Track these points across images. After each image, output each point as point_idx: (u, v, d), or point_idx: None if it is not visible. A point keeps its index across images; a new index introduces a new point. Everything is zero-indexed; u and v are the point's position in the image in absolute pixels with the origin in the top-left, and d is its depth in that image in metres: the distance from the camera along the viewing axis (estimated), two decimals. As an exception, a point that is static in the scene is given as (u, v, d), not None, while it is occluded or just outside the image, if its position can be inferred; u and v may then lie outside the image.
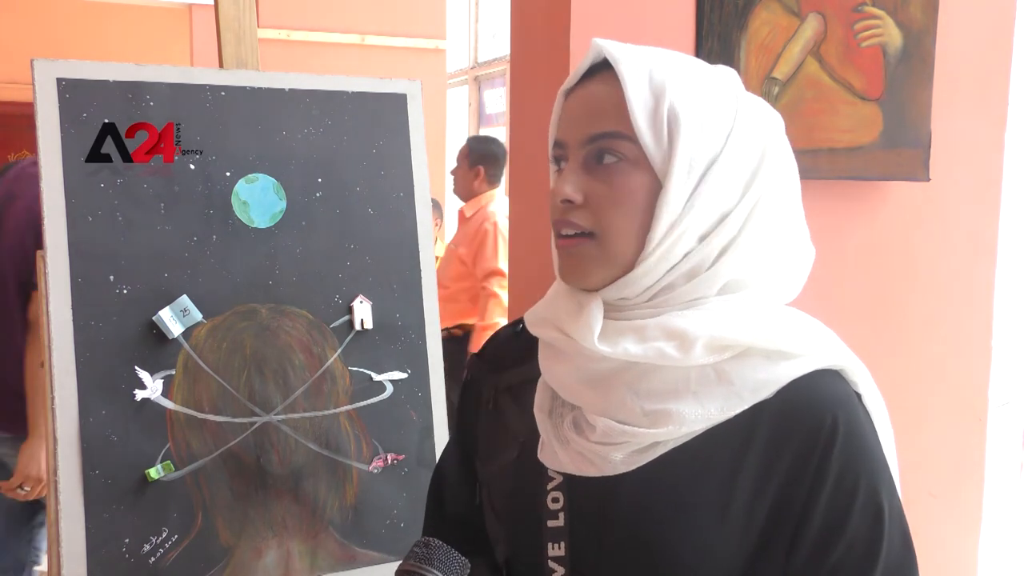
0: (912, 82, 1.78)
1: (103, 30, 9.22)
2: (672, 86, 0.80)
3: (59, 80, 1.45)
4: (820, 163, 1.72)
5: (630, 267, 0.82)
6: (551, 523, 0.85)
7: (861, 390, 0.84)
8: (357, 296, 1.61)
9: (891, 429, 0.87)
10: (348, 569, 1.57)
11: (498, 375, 0.97)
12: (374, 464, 1.61)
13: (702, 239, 0.81)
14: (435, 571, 0.80)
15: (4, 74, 9.07)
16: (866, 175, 1.79)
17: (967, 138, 1.92)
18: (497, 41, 6.84)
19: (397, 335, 1.64)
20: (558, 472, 0.85)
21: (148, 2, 6.88)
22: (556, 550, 0.85)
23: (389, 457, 1.62)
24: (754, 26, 1.67)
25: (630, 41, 1.40)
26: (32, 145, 1.46)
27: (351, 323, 1.60)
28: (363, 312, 1.61)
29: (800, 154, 0.90)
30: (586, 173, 0.82)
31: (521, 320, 0.96)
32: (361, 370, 1.61)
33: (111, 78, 1.49)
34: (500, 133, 6.71)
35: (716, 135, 0.81)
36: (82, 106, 1.46)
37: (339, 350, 1.60)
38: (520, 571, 0.89)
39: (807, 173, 0.90)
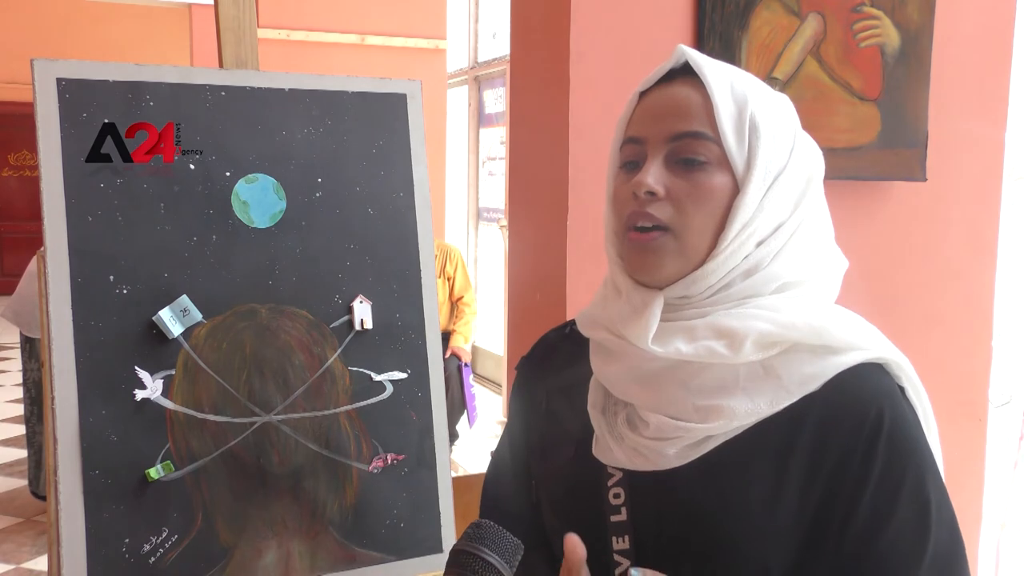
0: (909, 82, 1.79)
1: (103, 30, 9.23)
2: (752, 98, 0.85)
3: (59, 80, 1.45)
4: (819, 163, 1.72)
5: (700, 264, 0.84)
6: (614, 518, 0.87)
7: (904, 383, 0.87)
8: (357, 296, 1.61)
9: (935, 423, 0.90)
10: (348, 569, 1.57)
11: (550, 377, 1.00)
12: (374, 464, 1.61)
13: (760, 244, 0.85)
14: (486, 550, 0.80)
15: (4, 74, 9.09)
16: (864, 175, 1.80)
17: (965, 138, 1.92)
18: (497, 41, 6.85)
19: (397, 335, 1.64)
20: (617, 468, 0.87)
21: (148, 2, 6.89)
22: (621, 543, 0.87)
23: (389, 457, 1.62)
24: (755, 26, 1.67)
25: (631, 41, 1.41)
26: (32, 145, 1.46)
27: (351, 323, 1.61)
28: (363, 312, 1.61)
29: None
30: (667, 169, 0.85)
31: (570, 323, 0.99)
32: (361, 370, 1.61)
33: (111, 78, 1.49)
34: (500, 133, 6.72)
35: (783, 149, 0.86)
36: (82, 106, 1.46)
37: (339, 350, 1.60)
38: (587, 564, 0.90)
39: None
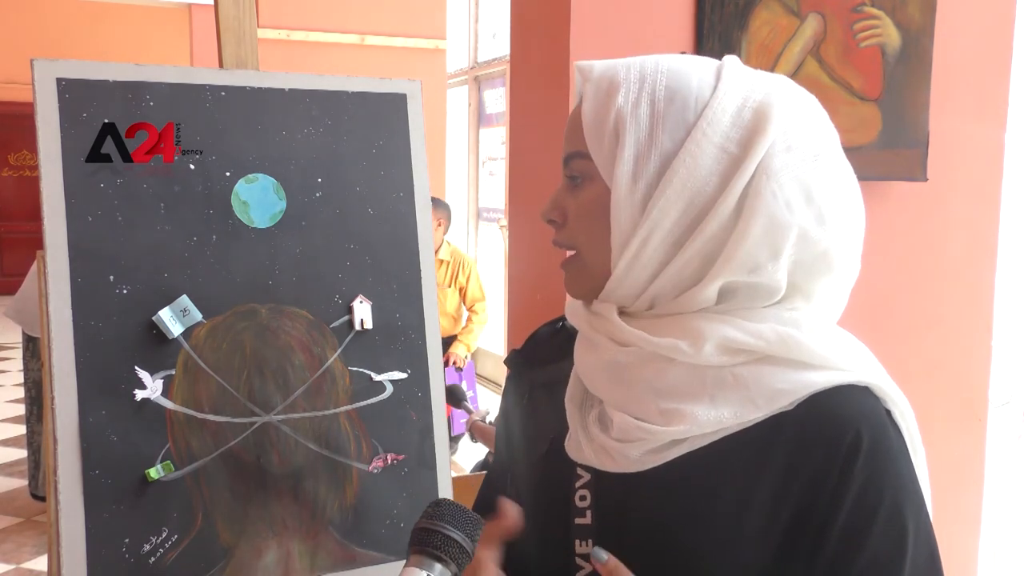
0: (910, 82, 1.79)
1: (103, 30, 9.24)
2: (623, 90, 0.80)
3: (59, 80, 1.45)
4: (820, 163, 1.72)
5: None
6: (579, 520, 0.86)
7: (891, 407, 0.82)
8: (357, 296, 1.61)
9: (923, 451, 0.85)
10: (348, 569, 1.57)
11: (536, 371, 0.99)
12: (374, 464, 1.61)
13: (677, 244, 0.80)
14: (447, 526, 0.80)
15: (4, 74, 9.09)
16: (865, 175, 1.79)
17: (966, 138, 1.92)
18: (497, 41, 6.85)
19: (397, 335, 1.64)
20: (585, 470, 0.86)
21: (148, 2, 6.89)
22: (584, 547, 0.86)
23: (389, 457, 1.62)
24: (754, 26, 1.67)
25: (631, 41, 1.40)
26: (32, 145, 1.46)
27: (351, 323, 1.61)
28: (363, 312, 1.61)
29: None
30: (567, 192, 0.87)
31: (562, 317, 0.98)
32: (361, 370, 1.61)
33: (111, 78, 1.49)
34: (500, 133, 6.72)
35: (673, 131, 0.79)
36: (82, 106, 1.46)
37: (339, 350, 1.60)
38: (549, 565, 0.90)
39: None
